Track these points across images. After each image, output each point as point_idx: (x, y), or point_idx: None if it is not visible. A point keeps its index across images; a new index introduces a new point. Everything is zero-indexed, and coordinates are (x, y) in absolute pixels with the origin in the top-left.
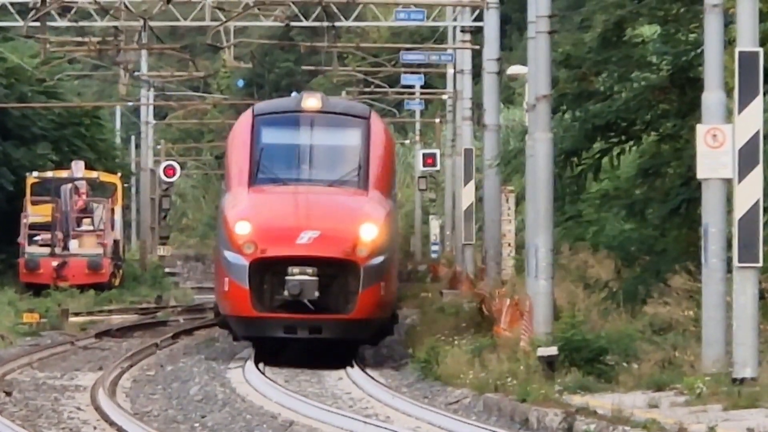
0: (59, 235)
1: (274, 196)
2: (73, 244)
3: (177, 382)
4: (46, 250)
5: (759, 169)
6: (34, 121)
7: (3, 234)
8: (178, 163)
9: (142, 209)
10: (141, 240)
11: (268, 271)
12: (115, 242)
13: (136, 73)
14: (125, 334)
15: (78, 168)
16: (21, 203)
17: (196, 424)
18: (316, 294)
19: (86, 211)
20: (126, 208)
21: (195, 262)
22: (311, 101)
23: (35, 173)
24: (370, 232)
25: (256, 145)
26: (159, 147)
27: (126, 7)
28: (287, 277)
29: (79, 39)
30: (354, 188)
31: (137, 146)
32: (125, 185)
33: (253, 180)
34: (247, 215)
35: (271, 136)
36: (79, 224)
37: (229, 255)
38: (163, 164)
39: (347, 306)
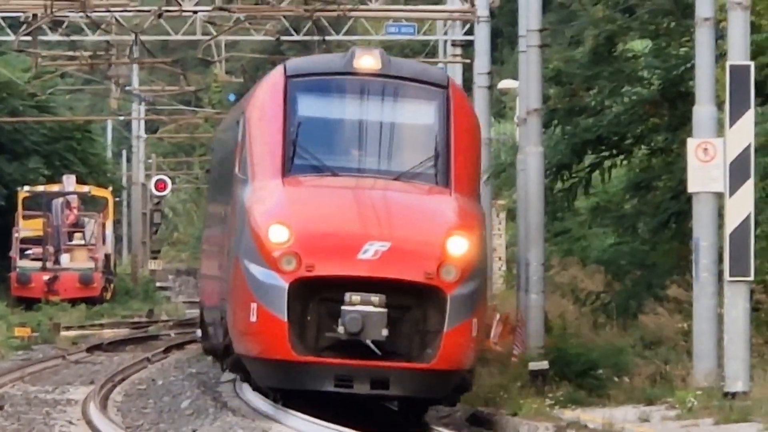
0: (51, 249)
1: (321, 191)
2: (65, 259)
3: (168, 395)
4: (38, 264)
5: (750, 183)
6: (26, 135)
7: None
8: (169, 177)
9: (133, 223)
10: (132, 254)
11: (314, 297)
12: (107, 256)
13: (127, 88)
14: (116, 348)
15: (69, 182)
16: (12, 217)
17: None
18: (384, 332)
19: (77, 226)
20: (117, 223)
21: (186, 276)
22: (367, 60)
23: (27, 187)
24: (459, 247)
25: (291, 118)
26: (150, 161)
27: (117, 21)
28: (344, 307)
29: (71, 53)
30: (430, 184)
31: (128, 160)
32: (116, 199)
33: (289, 167)
34: (286, 216)
35: (311, 106)
36: (70, 238)
37: (258, 271)
38: (154, 178)
39: (425, 351)
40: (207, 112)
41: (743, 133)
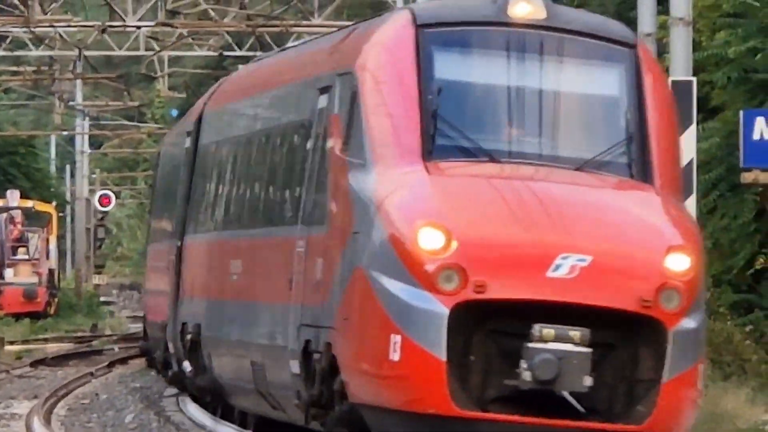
0: None
1: (481, 182)
2: (9, 273)
3: (112, 410)
4: None
5: (692, 199)
6: None
7: None
8: (113, 192)
9: (77, 238)
10: (76, 269)
11: (483, 329)
12: (50, 271)
13: (71, 103)
14: (61, 363)
15: (13, 197)
16: None
17: None
18: (587, 381)
19: (21, 240)
20: (61, 237)
21: (130, 290)
22: (524, 7)
23: None
24: (682, 265)
25: (427, 82)
26: (94, 176)
27: (61, 36)
28: (530, 344)
29: (15, 68)
30: (623, 177)
31: (72, 175)
32: (60, 214)
33: (430, 149)
34: (441, 215)
35: (454, 67)
36: (14, 253)
37: (401, 290)
38: (98, 193)
39: (635, 408)
40: (150, 127)
41: (685, 148)
